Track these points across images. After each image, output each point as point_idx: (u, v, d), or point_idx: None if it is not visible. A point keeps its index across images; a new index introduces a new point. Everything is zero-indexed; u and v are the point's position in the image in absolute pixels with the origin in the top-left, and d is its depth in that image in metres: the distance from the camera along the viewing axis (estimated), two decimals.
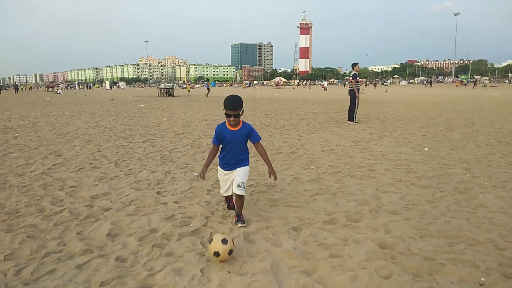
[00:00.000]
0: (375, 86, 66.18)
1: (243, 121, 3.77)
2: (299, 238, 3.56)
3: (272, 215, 4.17)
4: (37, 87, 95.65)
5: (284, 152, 7.80)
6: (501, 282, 2.75)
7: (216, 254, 2.99)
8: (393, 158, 7.13)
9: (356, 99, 12.87)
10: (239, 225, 3.81)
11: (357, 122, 12.80)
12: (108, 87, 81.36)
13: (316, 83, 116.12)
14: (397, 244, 3.37)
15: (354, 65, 13.23)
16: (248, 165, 3.86)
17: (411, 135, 10.05)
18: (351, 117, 13.05)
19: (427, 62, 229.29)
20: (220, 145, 3.84)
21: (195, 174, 5.99)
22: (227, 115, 3.63)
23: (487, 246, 3.34)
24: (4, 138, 10.12)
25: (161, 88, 40.96)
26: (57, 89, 61.75)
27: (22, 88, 78.04)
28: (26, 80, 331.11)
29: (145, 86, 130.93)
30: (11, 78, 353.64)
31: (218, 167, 3.96)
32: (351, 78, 13.21)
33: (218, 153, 3.93)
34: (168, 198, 4.81)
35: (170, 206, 4.51)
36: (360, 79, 13.39)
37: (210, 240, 3.09)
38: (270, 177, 3.83)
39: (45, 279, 2.90)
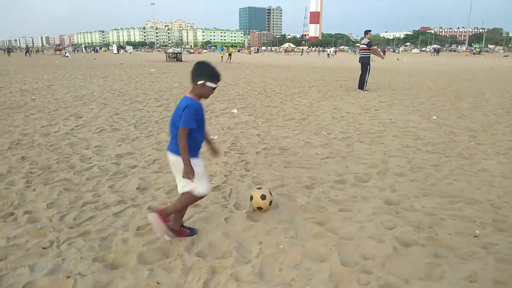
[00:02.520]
0: (384, 53, 63.50)
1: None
2: (312, 195, 3.90)
3: (287, 175, 4.50)
4: (43, 50, 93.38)
5: (295, 118, 8.05)
6: (494, 235, 3.08)
7: (259, 208, 3.41)
8: (402, 125, 7.36)
9: (368, 67, 12.88)
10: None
11: (367, 90, 12.90)
12: (115, 51, 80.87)
13: (326, 49, 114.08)
14: (401, 201, 3.70)
15: (367, 32, 13.24)
16: None
17: (420, 103, 10.20)
18: (361, 85, 13.14)
19: (441, 30, 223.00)
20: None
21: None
22: (214, 90, 2.77)
23: (485, 205, 3.65)
24: (22, 100, 10.43)
25: (169, 53, 40.82)
26: (65, 52, 61.50)
27: (30, 51, 77.74)
28: (33, 43, 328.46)
29: (152, 50, 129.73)
30: (18, 41, 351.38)
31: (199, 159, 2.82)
32: (363, 45, 13.16)
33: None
34: None
35: None
36: (375, 47, 13.43)
37: (251, 198, 3.45)
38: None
39: (86, 224, 3.28)
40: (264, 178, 4.37)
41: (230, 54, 39.49)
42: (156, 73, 20.98)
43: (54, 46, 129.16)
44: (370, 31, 13.23)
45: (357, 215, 3.42)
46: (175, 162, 2.77)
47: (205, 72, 2.71)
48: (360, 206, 3.60)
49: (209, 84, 2.69)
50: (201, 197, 2.88)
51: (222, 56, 41.55)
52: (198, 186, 2.78)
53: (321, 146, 5.85)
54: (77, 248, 2.86)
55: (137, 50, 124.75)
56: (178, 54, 39.57)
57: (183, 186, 2.82)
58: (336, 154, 5.42)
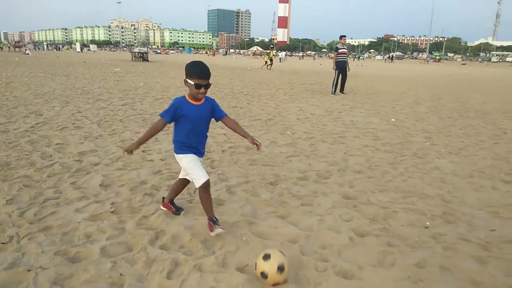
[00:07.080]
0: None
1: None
2: (275, 191, 4.02)
3: (251, 172, 4.60)
4: (1, 47, 78.86)
5: (262, 119, 8.19)
6: (442, 226, 3.32)
7: (263, 275, 2.38)
8: (362, 127, 7.66)
9: (336, 71, 13.14)
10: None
11: (332, 94, 13.18)
12: (78, 49, 78.42)
13: (293, 54, 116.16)
14: (359, 196, 3.90)
15: (341, 37, 13.37)
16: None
17: (381, 107, 10.63)
18: (342, 88, 13.36)
19: (403, 38, 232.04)
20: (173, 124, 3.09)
21: None
22: (197, 86, 2.86)
23: (435, 200, 3.91)
24: None
25: (135, 52, 40.08)
26: (26, 50, 58.92)
27: None
28: None
29: (117, 49, 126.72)
30: None
31: (187, 154, 3.13)
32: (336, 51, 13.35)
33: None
34: (153, 156, 5.14)
35: (156, 163, 4.85)
36: (345, 51, 13.23)
37: (266, 256, 2.40)
38: (256, 147, 3.13)
39: (48, 219, 3.24)
40: (229, 175, 4.45)
41: (271, 59, 32.03)
42: (121, 72, 20.55)
43: (13, 42, 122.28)
44: (344, 36, 13.32)
45: (317, 209, 3.57)
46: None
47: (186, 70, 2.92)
48: (320, 201, 3.76)
49: (189, 81, 2.90)
50: (205, 186, 2.97)
51: (266, 61, 32.01)
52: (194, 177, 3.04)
53: (285, 145, 6.00)
54: (38, 242, 2.83)
55: (102, 49, 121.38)
56: (144, 54, 38.90)
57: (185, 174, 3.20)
58: (300, 153, 5.58)
